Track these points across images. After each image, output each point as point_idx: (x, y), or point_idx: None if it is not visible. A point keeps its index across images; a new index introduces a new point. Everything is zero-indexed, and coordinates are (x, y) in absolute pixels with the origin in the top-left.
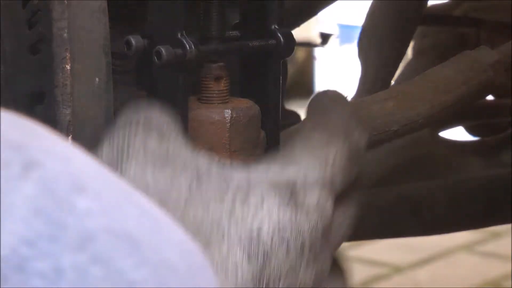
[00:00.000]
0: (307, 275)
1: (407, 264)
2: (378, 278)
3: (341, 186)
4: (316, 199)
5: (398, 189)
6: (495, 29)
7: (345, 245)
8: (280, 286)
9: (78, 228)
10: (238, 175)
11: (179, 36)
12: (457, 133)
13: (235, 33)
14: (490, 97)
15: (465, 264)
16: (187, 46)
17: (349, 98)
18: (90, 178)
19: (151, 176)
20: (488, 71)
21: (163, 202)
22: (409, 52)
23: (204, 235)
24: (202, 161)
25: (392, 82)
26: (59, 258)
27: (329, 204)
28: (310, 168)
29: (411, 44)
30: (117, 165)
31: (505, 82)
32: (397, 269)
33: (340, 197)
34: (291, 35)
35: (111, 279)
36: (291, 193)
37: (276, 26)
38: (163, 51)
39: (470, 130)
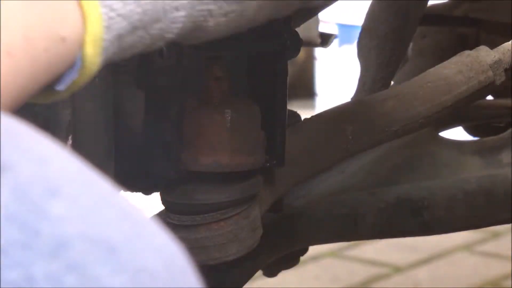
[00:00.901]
0: None
1: (407, 264)
2: (378, 278)
3: None
4: None
5: (398, 189)
6: (495, 29)
7: (345, 245)
8: None
9: (52, 235)
10: None
11: None
12: (457, 133)
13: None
14: (490, 97)
15: (465, 264)
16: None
17: (349, 98)
18: (66, 181)
19: None
20: (488, 71)
21: None
22: (409, 52)
23: None
24: None
25: (392, 82)
26: (31, 267)
27: None
28: None
29: (411, 44)
30: None
31: (505, 82)
32: (397, 269)
33: None
34: (298, 36)
35: (86, 287)
36: None
37: (282, 26)
38: (165, 50)
39: (470, 130)
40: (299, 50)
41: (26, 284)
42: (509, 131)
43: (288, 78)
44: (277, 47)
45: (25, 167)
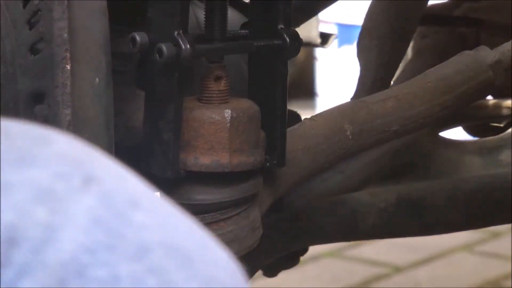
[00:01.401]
0: None
1: (407, 264)
2: (378, 278)
3: None
4: None
5: (398, 189)
6: (495, 29)
7: (345, 245)
8: None
9: (135, 240)
10: None
11: (175, 34)
12: (457, 133)
13: (243, 32)
14: (490, 97)
15: (465, 264)
16: (182, 45)
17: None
18: (143, 195)
19: None
20: (488, 71)
21: None
22: (409, 52)
23: None
24: None
25: (392, 82)
26: (117, 266)
27: None
28: None
29: (411, 44)
30: None
31: (505, 82)
32: (397, 269)
33: None
34: (297, 35)
35: None
36: None
37: (283, 26)
38: (164, 49)
39: (470, 130)
40: (299, 50)
41: (113, 282)
42: (509, 131)
43: (288, 78)
44: (277, 47)
45: (109, 180)
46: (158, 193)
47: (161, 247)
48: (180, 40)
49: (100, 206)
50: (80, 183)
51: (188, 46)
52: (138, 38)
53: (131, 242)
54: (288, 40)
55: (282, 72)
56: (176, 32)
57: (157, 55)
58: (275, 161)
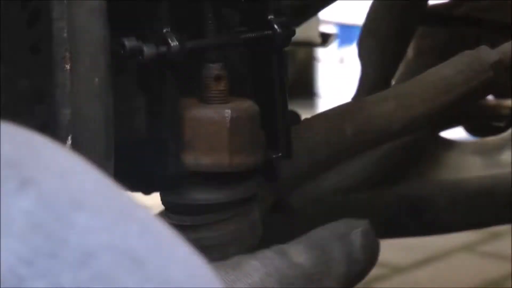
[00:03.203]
0: None
1: (407, 264)
2: (378, 278)
3: None
4: None
5: (398, 189)
6: (495, 29)
7: None
8: None
9: (78, 245)
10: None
11: (164, 32)
12: (457, 133)
13: (235, 27)
14: (490, 97)
15: (465, 264)
16: (171, 42)
17: (349, 98)
18: (89, 195)
19: None
20: (489, 71)
21: None
22: (409, 52)
23: None
24: None
25: (392, 82)
26: (59, 276)
27: None
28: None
29: (411, 44)
30: None
31: (505, 82)
32: (397, 269)
33: None
34: (289, 24)
35: None
36: None
37: (273, 17)
38: (127, 43)
39: (470, 130)
40: (290, 39)
41: None
42: (509, 131)
43: (288, 78)
44: (267, 37)
45: (48, 181)
46: (110, 185)
47: (107, 251)
48: (168, 37)
49: (39, 209)
50: (16, 185)
51: (177, 43)
52: (126, 43)
53: (74, 247)
54: (278, 29)
55: (279, 62)
56: (164, 30)
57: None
58: (280, 154)
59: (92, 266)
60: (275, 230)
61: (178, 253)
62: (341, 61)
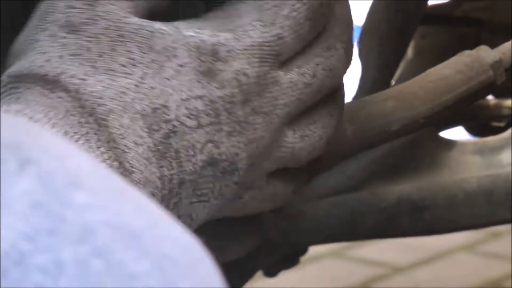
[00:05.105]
0: (230, 144)
1: (407, 264)
2: (378, 278)
3: (293, 51)
4: (234, 69)
5: (398, 189)
6: (495, 29)
7: (345, 245)
8: (197, 157)
9: (78, 222)
10: (160, 40)
11: None
12: (457, 133)
13: None
14: (490, 97)
15: (465, 264)
16: None
17: (349, 98)
18: (86, 175)
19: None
20: (489, 71)
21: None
22: (409, 52)
23: (108, 106)
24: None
25: (392, 82)
26: (59, 252)
27: (253, 71)
28: (249, 29)
29: (411, 44)
30: None
31: (506, 82)
32: (397, 269)
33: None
34: None
35: (112, 271)
36: (211, 62)
37: None
38: None
39: (470, 130)
40: None
41: (55, 268)
42: (509, 131)
43: None
44: None
45: (47, 161)
46: (104, 169)
47: (106, 227)
48: None
49: (38, 188)
50: (16, 166)
51: None
52: None
53: (74, 224)
54: None
55: None
56: None
57: None
58: None
59: (90, 241)
60: (275, 230)
61: (171, 231)
62: None
